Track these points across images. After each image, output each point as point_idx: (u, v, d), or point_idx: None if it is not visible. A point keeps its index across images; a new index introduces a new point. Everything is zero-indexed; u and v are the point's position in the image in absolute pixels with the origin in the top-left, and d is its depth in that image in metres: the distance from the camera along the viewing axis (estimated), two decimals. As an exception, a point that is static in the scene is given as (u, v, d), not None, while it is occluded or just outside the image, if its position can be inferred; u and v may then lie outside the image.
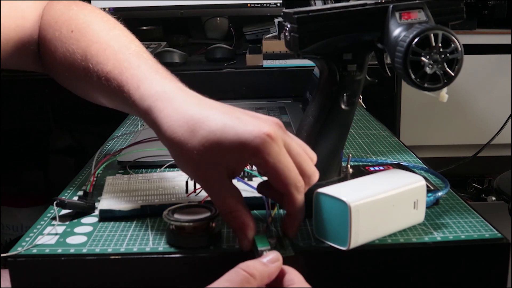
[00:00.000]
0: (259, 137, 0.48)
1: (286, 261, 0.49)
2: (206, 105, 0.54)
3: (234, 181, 0.66)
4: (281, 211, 0.62)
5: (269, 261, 0.48)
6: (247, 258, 0.50)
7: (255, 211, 0.62)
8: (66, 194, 0.69)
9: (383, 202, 0.53)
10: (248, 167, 0.67)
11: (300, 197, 0.51)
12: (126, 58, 0.60)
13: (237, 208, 0.50)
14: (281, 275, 0.48)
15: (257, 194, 0.61)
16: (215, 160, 0.50)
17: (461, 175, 1.85)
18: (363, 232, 0.52)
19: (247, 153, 0.49)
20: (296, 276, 0.48)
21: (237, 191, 0.52)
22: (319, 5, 0.80)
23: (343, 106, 0.59)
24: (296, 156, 0.51)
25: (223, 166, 0.50)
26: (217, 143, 0.49)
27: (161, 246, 0.54)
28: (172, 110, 0.53)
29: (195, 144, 0.50)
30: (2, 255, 0.52)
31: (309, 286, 0.48)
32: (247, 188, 0.63)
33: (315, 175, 0.52)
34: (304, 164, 0.51)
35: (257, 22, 1.58)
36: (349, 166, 0.65)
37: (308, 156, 0.52)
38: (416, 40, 0.50)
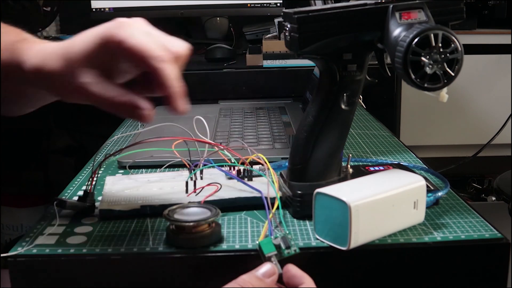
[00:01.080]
0: (112, 24, 0.50)
1: (292, 258, 0.49)
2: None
3: (234, 181, 0.66)
4: (280, 210, 0.62)
5: (265, 275, 0.48)
6: (247, 258, 0.50)
7: (255, 211, 0.62)
8: (66, 194, 0.69)
9: (383, 202, 0.53)
10: (248, 166, 0.67)
11: (167, 66, 0.50)
12: None
13: (114, 94, 0.51)
14: (290, 280, 0.48)
15: (257, 194, 0.61)
16: (85, 65, 0.50)
17: (461, 175, 1.85)
18: (363, 232, 0.52)
19: (104, 44, 0.49)
20: (306, 279, 0.48)
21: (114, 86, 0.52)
22: (319, 5, 0.80)
23: (343, 106, 0.59)
24: (157, 37, 0.51)
25: (96, 67, 0.51)
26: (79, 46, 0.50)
27: (161, 246, 0.54)
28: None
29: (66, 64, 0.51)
30: (2, 255, 0.52)
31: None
32: (245, 188, 0.63)
33: (182, 47, 0.53)
34: (166, 42, 0.51)
35: (257, 22, 1.58)
36: (349, 166, 0.65)
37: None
38: (416, 40, 0.50)
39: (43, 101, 0.63)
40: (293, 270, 0.49)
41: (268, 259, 0.49)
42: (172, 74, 0.51)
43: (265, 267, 0.48)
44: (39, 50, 0.53)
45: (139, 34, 0.50)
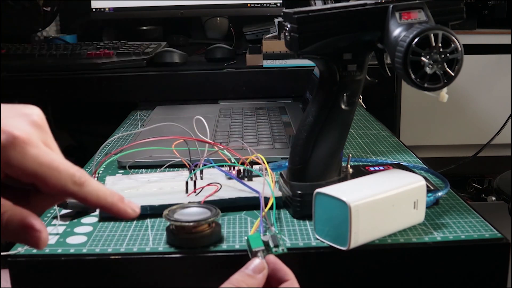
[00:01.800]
0: (4, 144, 0.39)
1: (280, 259, 0.49)
2: None
3: (234, 181, 0.66)
4: (280, 210, 0.62)
5: (255, 271, 0.48)
6: (247, 258, 0.50)
7: (255, 211, 0.62)
8: (66, 194, 0.69)
9: (383, 202, 0.53)
10: (248, 166, 0.67)
11: (87, 189, 0.41)
12: None
13: (7, 206, 0.40)
14: (274, 273, 0.49)
15: (255, 194, 0.61)
16: None
17: (461, 175, 1.85)
18: (363, 232, 0.52)
19: None
20: (291, 276, 0.49)
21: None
22: (319, 5, 0.80)
23: (343, 106, 0.59)
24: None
25: None
26: None
27: (161, 246, 0.54)
28: None
29: None
30: (2, 254, 0.52)
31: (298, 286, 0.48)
32: (245, 188, 0.63)
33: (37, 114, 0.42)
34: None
35: (257, 22, 1.58)
36: (349, 166, 0.65)
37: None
38: (416, 40, 0.50)
39: None
40: (277, 263, 0.49)
41: (255, 254, 0.49)
42: (93, 189, 0.42)
43: (254, 263, 0.49)
44: None
45: (47, 154, 0.41)
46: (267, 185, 0.60)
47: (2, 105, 0.42)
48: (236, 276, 0.48)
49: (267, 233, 0.52)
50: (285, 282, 0.48)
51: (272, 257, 0.50)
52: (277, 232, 0.53)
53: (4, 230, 0.40)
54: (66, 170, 0.41)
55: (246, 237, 0.51)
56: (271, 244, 0.51)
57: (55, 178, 0.41)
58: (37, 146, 0.41)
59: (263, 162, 0.64)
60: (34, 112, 0.43)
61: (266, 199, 0.57)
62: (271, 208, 0.57)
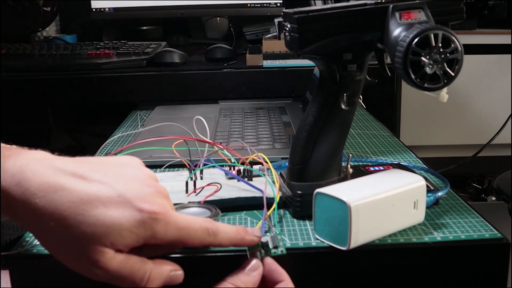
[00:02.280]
0: (149, 222, 0.43)
1: (280, 259, 0.50)
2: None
3: (234, 181, 0.66)
4: (280, 210, 0.62)
5: (251, 269, 0.49)
6: (246, 258, 0.50)
7: (255, 211, 0.62)
8: (66, 194, 0.69)
9: (383, 202, 0.53)
10: (248, 166, 0.67)
11: (220, 236, 0.47)
12: None
13: (144, 267, 0.44)
14: (269, 274, 0.49)
15: (257, 194, 0.61)
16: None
17: (461, 175, 1.85)
18: (363, 232, 0.52)
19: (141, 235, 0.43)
20: (286, 277, 0.49)
21: (132, 257, 0.44)
22: (319, 5, 0.80)
23: (343, 106, 0.59)
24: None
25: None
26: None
27: (161, 246, 0.54)
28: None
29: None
30: (2, 253, 0.52)
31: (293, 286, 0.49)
32: (248, 188, 0.63)
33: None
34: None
35: (257, 22, 1.58)
36: (349, 166, 0.65)
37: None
38: (416, 40, 0.50)
39: None
40: (273, 264, 0.50)
41: (252, 254, 0.50)
42: (230, 239, 0.48)
43: (250, 263, 0.49)
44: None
45: (181, 219, 0.45)
46: (268, 185, 0.60)
47: (113, 168, 0.46)
48: (232, 275, 0.48)
49: (267, 234, 0.52)
50: (280, 283, 0.49)
51: (268, 259, 0.50)
52: (278, 233, 0.53)
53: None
54: (200, 227, 0.46)
55: None
56: (270, 245, 0.51)
57: (194, 237, 0.45)
58: (173, 215, 0.45)
59: (266, 162, 0.64)
60: (150, 175, 0.48)
61: (268, 199, 0.57)
62: (271, 210, 0.57)
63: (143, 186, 0.45)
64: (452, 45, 0.51)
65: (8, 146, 0.47)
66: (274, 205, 0.57)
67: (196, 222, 0.46)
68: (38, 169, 0.43)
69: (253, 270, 0.49)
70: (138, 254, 0.44)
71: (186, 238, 0.45)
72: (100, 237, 0.41)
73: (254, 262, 0.49)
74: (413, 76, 0.51)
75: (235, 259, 0.50)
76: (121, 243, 0.42)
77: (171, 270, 0.46)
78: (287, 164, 0.63)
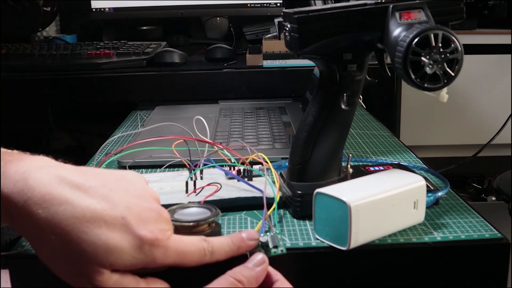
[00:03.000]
0: (149, 249, 0.43)
1: (280, 259, 0.49)
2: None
3: (234, 181, 0.66)
4: (280, 210, 0.62)
5: (255, 264, 0.48)
6: (247, 258, 0.50)
7: (255, 211, 0.62)
8: (66, 194, 0.68)
9: (383, 202, 0.53)
10: (248, 166, 0.67)
11: (216, 252, 0.47)
12: None
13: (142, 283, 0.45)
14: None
15: (256, 194, 0.61)
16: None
17: (461, 175, 1.85)
18: (363, 232, 0.52)
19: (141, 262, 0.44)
20: (280, 276, 0.49)
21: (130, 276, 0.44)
22: (319, 5, 0.80)
23: (343, 106, 0.59)
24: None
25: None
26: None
27: (161, 246, 0.54)
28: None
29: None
30: (2, 253, 0.52)
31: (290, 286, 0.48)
32: (247, 188, 0.63)
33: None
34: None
35: (257, 22, 1.58)
36: (349, 166, 0.65)
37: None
38: (416, 40, 0.50)
39: None
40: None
41: (252, 253, 0.50)
42: (223, 255, 0.48)
43: (255, 257, 0.48)
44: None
45: (180, 244, 0.45)
46: (268, 185, 0.60)
47: (118, 184, 0.45)
48: (235, 268, 0.47)
49: (267, 234, 0.52)
50: (276, 282, 0.48)
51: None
52: (278, 233, 0.53)
53: None
54: (197, 248, 0.46)
55: None
56: (270, 245, 0.51)
57: (191, 260, 0.46)
58: (172, 240, 0.45)
59: (266, 162, 0.63)
60: (154, 196, 0.48)
61: (268, 199, 0.57)
62: (271, 210, 0.57)
63: (146, 209, 0.45)
64: (452, 45, 0.51)
65: (10, 151, 0.47)
66: (274, 205, 0.57)
67: (193, 244, 0.46)
68: (42, 178, 0.42)
69: (258, 265, 0.48)
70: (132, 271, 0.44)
71: (184, 261, 0.46)
72: (100, 257, 0.41)
73: (260, 257, 0.49)
74: (413, 76, 0.51)
75: (235, 259, 0.50)
76: (120, 265, 0.42)
77: None
78: (287, 164, 0.63)
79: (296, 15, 0.55)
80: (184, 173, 0.71)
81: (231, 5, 1.51)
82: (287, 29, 0.57)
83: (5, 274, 0.54)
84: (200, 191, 0.63)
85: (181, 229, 0.54)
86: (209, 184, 0.64)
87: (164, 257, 0.44)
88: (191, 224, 0.53)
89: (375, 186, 0.55)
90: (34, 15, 1.49)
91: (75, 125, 1.54)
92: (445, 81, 0.52)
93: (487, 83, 1.64)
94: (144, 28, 1.68)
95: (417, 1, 0.54)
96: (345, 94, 0.59)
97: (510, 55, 1.58)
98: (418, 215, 0.57)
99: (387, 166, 0.69)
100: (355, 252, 0.52)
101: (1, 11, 1.43)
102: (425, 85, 0.52)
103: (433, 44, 0.51)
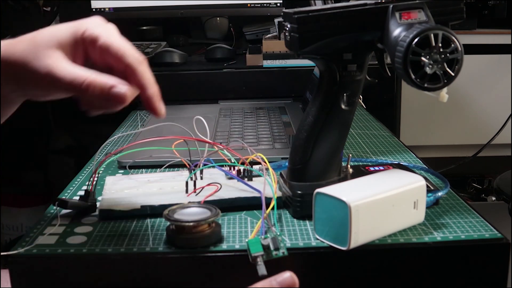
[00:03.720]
0: (89, 20, 0.51)
1: (280, 259, 0.49)
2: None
3: (234, 181, 0.66)
4: (280, 210, 0.62)
5: (282, 283, 0.46)
6: (247, 258, 0.50)
7: (255, 211, 0.62)
8: (66, 194, 0.69)
9: (383, 202, 0.53)
10: (248, 166, 0.67)
11: (146, 68, 0.51)
12: None
13: (87, 74, 0.49)
14: None
15: (256, 194, 0.61)
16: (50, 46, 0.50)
17: (461, 175, 1.85)
18: (363, 232, 0.52)
19: (76, 34, 0.50)
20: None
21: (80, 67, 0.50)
22: (319, 5, 0.80)
23: (343, 106, 0.59)
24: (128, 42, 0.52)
25: (62, 49, 0.50)
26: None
27: (161, 246, 0.54)
28: None
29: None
30: (2, 254, 0.52)
31: None
32: (245, 188, 0.63)
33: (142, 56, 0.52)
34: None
35: (257, 22, 1.58)
36: (349, 166, 0.65)
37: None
38: (416, 40, 0.50)
39: (9, 107, 0.59)
40: None
41: (254, 259, 0.49)
42: (150, 75, 0.52)
43: (283, 276, 0.46)
44: (9, 42, 0.53)
45: (116, 35, 0.51)
46: (268, 185, 0.60)
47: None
48: (261, 283, 0.46)
49: (268, 235, 0.52)
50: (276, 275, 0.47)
51: None
52: (278, 233, 0.52)
53: (91, 91, 0.49)
54: (132, 48, 0.51)
55: (246, 240, 0.51)
56: (272, 247, 0.51)
57: (124, 50, 0.50)
58: (117, 31, 0.52)
59: (264, 162, 0.63)
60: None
61: (267, 199, 0.57)
62: (272, 208, 0.57)
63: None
64: (452, 45, 0.51)
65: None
66: (272, 204, 0.57)
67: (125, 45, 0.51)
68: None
69: (285, 285, 0.46)
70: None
71: (126, 52, 0.50)
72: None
73: (289, 276, 0.46)
74: (413, 76, 0.51)
75: (236, 259, 0.50)
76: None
77: (112, 86, 0.49)
78: (287, 164, 0.63)
79: (296, 15, 0.55)
80: (184, 173, 0.71)
81: (231, 5, 1.50)
82: (287, 29, 0.57)
83: (5, 274, 0.54)
84: (200, 191, 0.63)
85: (181, 229, 0.54)
86: (209, 184, 0.64)
87: (109, 36, 0.51)
88: (191, 224, 0.53)
89: (375, 186, 0.55)
90: (34, 15, 1.49)
91: (75, 125, 1.54)
92: (445, 81, 0.52)
93: (487, 83, 1.64)
94: (144, 28, 1.68)
95: (417, 1, 0.54)
96: (345, 94, 0.59)
97: (510, 55, 1.58)
98: (418, 215, 0.57)
99: (387, 166, 0.69)
100: (355, 252, 0.52)
101: (1, 11, 1.43)
102: (425, 85, 0.52)
103: (433, 44, 0.51)
